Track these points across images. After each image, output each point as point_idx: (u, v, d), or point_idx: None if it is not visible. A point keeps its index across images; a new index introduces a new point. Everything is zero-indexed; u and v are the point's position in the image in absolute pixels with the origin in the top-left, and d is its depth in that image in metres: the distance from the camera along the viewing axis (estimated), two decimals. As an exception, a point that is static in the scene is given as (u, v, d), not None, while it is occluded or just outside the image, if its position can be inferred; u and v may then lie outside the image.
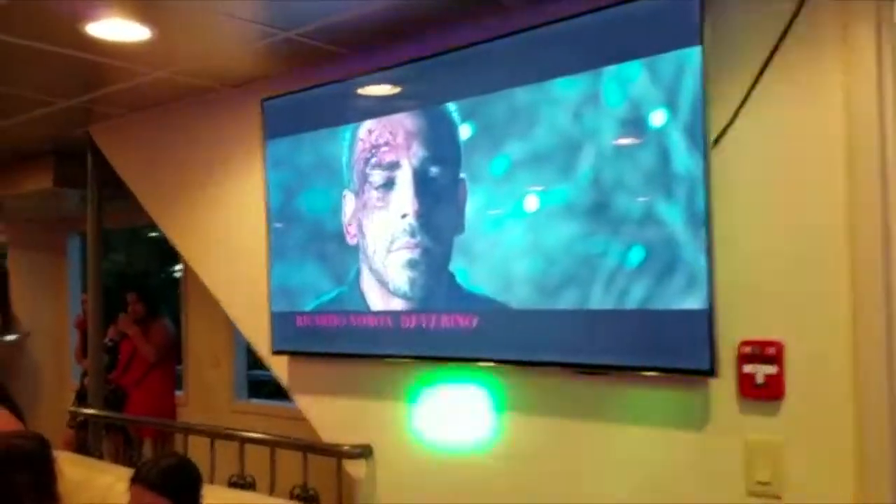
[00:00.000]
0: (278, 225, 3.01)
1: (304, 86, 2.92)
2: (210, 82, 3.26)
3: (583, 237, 2.23)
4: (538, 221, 2.32)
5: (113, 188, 3.98)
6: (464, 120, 2.48)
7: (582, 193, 2.22)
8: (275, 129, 3.02)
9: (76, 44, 2.77)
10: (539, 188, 2.31)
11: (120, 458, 4.26)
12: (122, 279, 6.85)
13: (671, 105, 2.06)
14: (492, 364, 2.46)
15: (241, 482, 3.01)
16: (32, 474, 2.38)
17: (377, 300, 2.72)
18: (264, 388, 4.93)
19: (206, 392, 5.07)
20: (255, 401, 4.92)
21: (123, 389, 4.84)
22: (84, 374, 4.85)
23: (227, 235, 3.39)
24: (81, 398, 4.77)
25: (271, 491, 2.92)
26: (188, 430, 3.37)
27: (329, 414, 2.96)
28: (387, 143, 2.68)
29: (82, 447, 3.81)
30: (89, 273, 4.12)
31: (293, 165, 2.97)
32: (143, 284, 5.20)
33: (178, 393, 5.12)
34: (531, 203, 2.33)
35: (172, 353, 5.02)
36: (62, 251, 6.28)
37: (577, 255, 2.24)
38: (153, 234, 5.78)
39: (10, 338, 4.71)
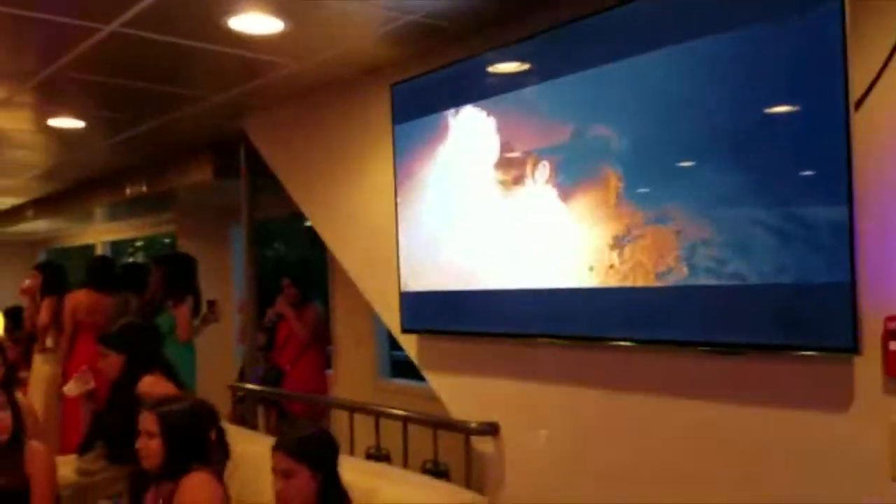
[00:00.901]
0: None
1: (431, 68, 2.97)
2: (342, 71, 3.39)
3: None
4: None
5: (269, 178, 4.24)
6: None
7: (725, 161, 2.11)
8: (403, 112, 3.10)
9: (221, 39, 2.97)
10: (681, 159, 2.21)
11: (273, 431, 4.56)
12: (281, 266, 7.32)
13: (811, 65, 1.90)
14: (626, 343, 2.39)
15: (377, 455, 3.14)
16: (217, 430, 2.69)
17: (507, 278, 2.72)
18: (412, 367, 5.09)
19: (352, 371, 5.30)
20: (397, 380, 5.08)
21: (280, 368, 5.15)
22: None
23: (360, 218, 3.53)
24: (243, 376, 5.15)
25: (405, 464, 3.02)
26: (330, 404, 3.55)
27: (458, 391, 3.01)
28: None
29: (241, 420, 4.11)
30: (244, 260, 4.41)
31: (422, 147, 3.03)
32: (297, 270, 5.51)
33: (328, 372, 5.39)
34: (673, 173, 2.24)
35: (323, 334, 5.29)
36: (225, 240, 6.80)
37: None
38: (309, 223, 6.14)
39: (196, 322, 5.21)
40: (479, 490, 2.71)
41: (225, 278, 6.66)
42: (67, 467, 3.46)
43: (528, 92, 2.62)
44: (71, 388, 4.19)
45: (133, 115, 4.28)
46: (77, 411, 4.73)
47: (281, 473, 2.31)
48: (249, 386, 4.27)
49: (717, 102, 2.12)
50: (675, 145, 2.22)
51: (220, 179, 5.08)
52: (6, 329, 7.66)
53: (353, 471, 2.58)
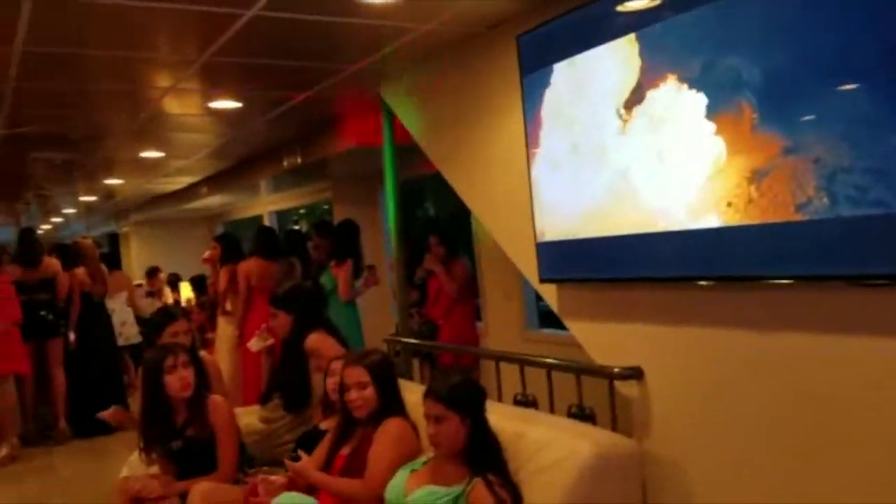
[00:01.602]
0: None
1: (555, 15, 2.94)
2: (466, 28, 3.44)
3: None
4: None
5: (411, 141, 4.37)
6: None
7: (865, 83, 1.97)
8: (530, 61, 3.10)
9: (349, 11, 3.11)
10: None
11: (426, 381, 4.79)
12: (430, 224, 7.56)
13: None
14: (772, 281, 2.29)
15: (524, 400, 3.24)
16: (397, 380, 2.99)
17: (644, 221, 2.68)
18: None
19: (501, 323, 5.42)
20: (545, 330, 5.14)
21: (434, 322, 5.38)
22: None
23: (493, 171, 3.58)
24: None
25: (551, 409, 3.09)
26: (477, 354, 3.68)
27: (600, 337, 3.03)
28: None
29: (398, 371, 4.35)
30: (389, 220, 4.61)
31: (552, 94, 3.02)
32: (444, 228, 5.69)
33: (478, 324, 5.55)
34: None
35: (472, 288, 5.45)
36: (376, 203, 7.12)
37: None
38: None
39: (358, 283, 5.56)
40: (626, 433, 2.74)
41: (376, 240, 7.00)
42: (252, 416, 3.82)
43: (659, 27, 2.54)
44: (253, 345, 4.63)
45: (282, 91, 4.56)
46: (258, 366, 5.21)
47: (433, 419, 2.47)
48: (404, 339, 4.50)
49: (853, 21, 1.97)
50: (809, 70, 2.08)
51: (363, 146, 5.32)
52: (196, 294, 8.49)
53: (501, 416, 2.70)
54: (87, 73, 3.92)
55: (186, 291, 9.08)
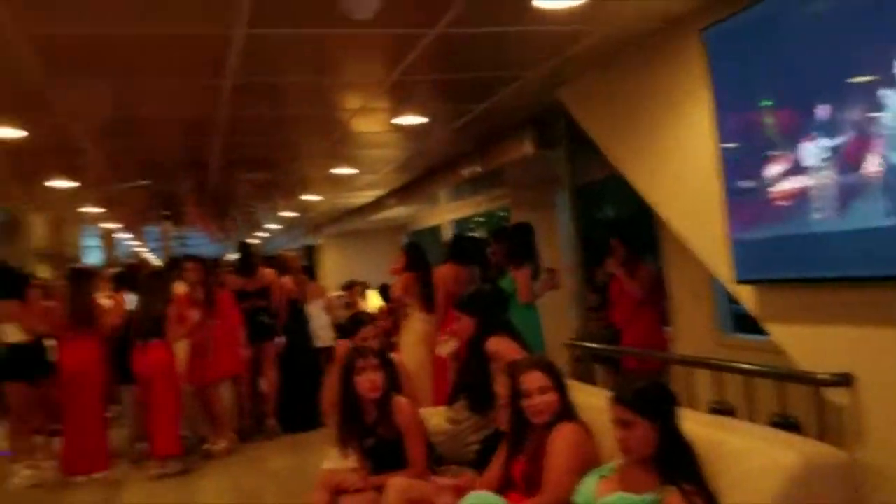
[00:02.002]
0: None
1: (739, 8, 2.81)
2: (646, 26, 3.38)
3: None
4: None
5: (589, 144, 4.33)
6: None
7: None
8: (717, 55, 2.98)
9: (529, 19, 3.16)
10: None
11: (609, 387, 4.70)
12: (609, 226, 7.42)
13: None
14: None
15: (721, 409, 3.09)
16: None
17: (853, 217, 2.49)
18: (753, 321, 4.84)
19: (691, 327, 5.19)
20: (741, 335, 4.87)
21: (616, 327, 5.28)
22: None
23: (679, 169, 3.47)
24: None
25: (750, 418, 2.93)
26: (665, 359, 3.56)
27: (805, 342, 2.83)
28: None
29: (579, 377, 4.32)
30: (568, 223, 4.59)
31: (741, 86, 2.88)
32: (625, 229, 5.58)
33: (666, 329, 5.37)
34: None
35: (656, 291, 5.29)
36: (553, 207, 7.11)
37: None
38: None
39: (536, 286, 5.62)
40: (834, 444, 2.54)
41: (555, 243, 6.98)
42: (439, 417, 3.95)
43: (853, 6, 2.35)
44: (440, 350, 4.78)
45: (463, 103, 4.71)
46: (446, 368, 5.38)
47: (620, 423, 2.43)
48: (586, 344, 4.45)
49: None
50: None
51: (542, 151, 5.33)
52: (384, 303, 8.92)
53: (696, 423, 2.59)
54: (286, 101, 4.28)
55: (374, 299, 9.56)
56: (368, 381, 3.34)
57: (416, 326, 6.14)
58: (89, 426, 6.13)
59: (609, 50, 3.73)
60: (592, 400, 3.07)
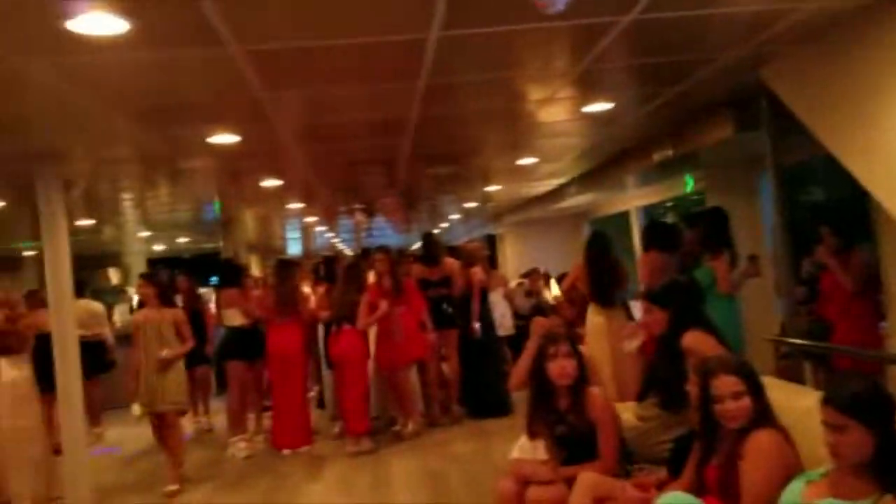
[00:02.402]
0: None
1: None
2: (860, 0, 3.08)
3: None
4: None
5: (794, 123, 4.04)
6: None
7: None
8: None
9: (730, 0, 3.00)
10: None
11: (820, 387, 4.35)
12: (816, 212, 6.86)
13: None
14: None
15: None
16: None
17: None
18: None
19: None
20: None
21: (826, 321, 4.88)
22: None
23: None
24: (784, 330, 5.01)
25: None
26: (886, 358, 3.26)
27: None
28: None
29: (785, 376, 4.03)
30: (773, 208, 4.31)
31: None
32: (835, 215, 5.15)
33: (882, 325, 4.89)
34: None
35: (872, 282, 4.83)
36: (752, 190, 6.68)
37: None
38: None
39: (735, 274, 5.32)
40: None
41: (756, 230, 6.56)
42: (628, 412, 3.87)
43: None
44: (625, 346, 4.67)
45: (654, 88, 4.57)
46: (633, 363, 5.25)
47: (832, 428, 2.26)
48: (793, 340, 4.16)
49: None
50: None
51: (741, 133, 5.04)
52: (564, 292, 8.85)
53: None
54: (474, 97, 4.37)
55: (555, 289, 9.53)
56: (559, 367, 3.34)
57: (591, 319, 6.05)
58: (294, 404, 6.69)
59: (816, 27, 3.45)
60: (799, 401, 2.89)
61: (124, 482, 6.17)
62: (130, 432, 7.45)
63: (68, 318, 4.78)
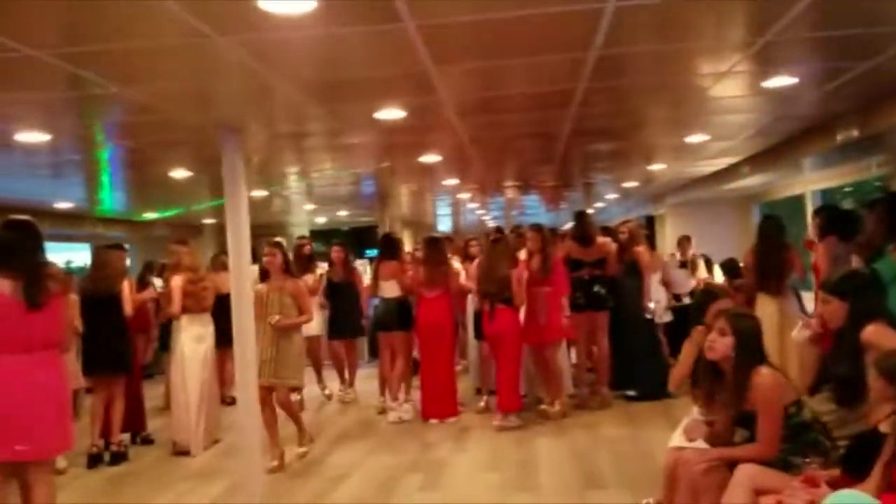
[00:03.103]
0: None
1: None
2: None
3: None
4: None
5: None
6: None
7: None
8: None
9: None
10: None
11: None
12: None
13: None
14: None
15: None
16: None
17: None
18: None
19: None
20: None
21: None
22: None
23: None
24: None
25: None
26: None
27: None
28: None
29: None
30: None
31: None
32: None
33: None
34: None
35: None
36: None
37: None
38: None
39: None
40: None
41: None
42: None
43: None
44: (795, 335, 4.40)
45: (843, 62, 4.21)
46: (803, 355, 4.92)
47: None
48: None
49: None
50: None
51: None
52: (727, 279, 8.41)
53: None
54: (644, 70, 4.21)
55: (719, 275, 9.05)
56: (710, 341, 3.38)
57: (760, 308, 5.70)
58: (441, 376, 6.86)
59: None
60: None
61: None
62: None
63: (246, 280, 5.12)
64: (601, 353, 7.17)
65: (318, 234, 16.16)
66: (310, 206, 12.51)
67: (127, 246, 7.30)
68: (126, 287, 6.08)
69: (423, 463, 5.63)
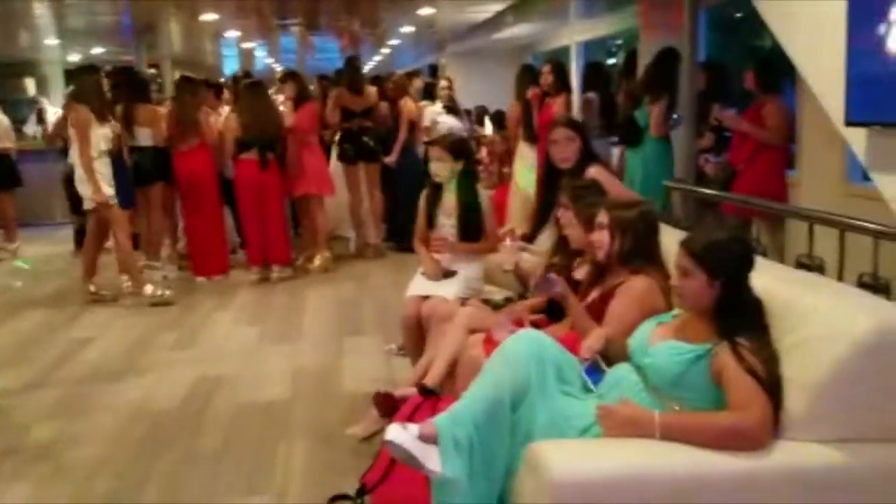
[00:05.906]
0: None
1: None
2: None
3: None
4: None
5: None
6: None
7: None
8: None
9: None
10: None
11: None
12: (747, 54, 6.66)
13: None
14: None
15: (808, 263, 2.81)
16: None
17: None
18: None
19: (819, 174, 4.66)
20: (871, 184, 4.33)
21: (733, 167, 4.85)
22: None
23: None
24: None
25: (839, 276, 2.65)
26: (761, 208, 3.25)
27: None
28: None
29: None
30: (686, 51, 4.12)
31: None
32: (762, 59, 4.98)
33: (791, 174, 4.88)
34: None
35: (788, 132, 4.76)
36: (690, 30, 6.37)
37: None
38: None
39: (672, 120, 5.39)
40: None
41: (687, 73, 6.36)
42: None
43: None
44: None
45: None
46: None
47: (680, 270, 2.26)
48: (684, 186, 4.14)
49: None
50: None
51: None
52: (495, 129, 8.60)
53: (775, 278, 2.36)
54: None
55: (489, 127, 9.26)
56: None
57: (520, 154, 6.08)
58: (207, 232, 6.54)
59: None
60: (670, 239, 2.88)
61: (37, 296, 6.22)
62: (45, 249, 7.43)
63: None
64: (374, 205, 7.21)
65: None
66: (54, 41, 11.01)
67: None
68: None
69: (180, 322, 5.47)
